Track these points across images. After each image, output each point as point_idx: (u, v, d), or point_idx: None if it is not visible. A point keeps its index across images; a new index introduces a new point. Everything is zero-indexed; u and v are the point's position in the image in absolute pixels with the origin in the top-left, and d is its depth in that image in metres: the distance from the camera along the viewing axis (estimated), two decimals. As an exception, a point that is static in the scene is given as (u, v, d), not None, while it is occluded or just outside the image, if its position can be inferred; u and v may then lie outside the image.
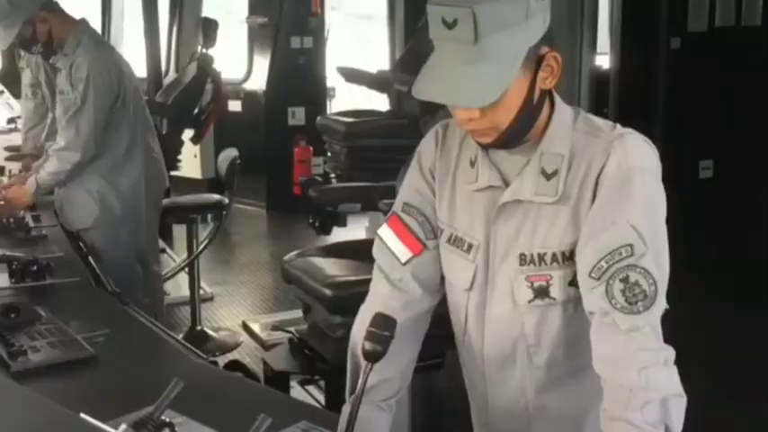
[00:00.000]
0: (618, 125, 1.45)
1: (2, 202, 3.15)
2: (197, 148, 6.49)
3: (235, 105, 7.06)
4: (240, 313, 4.79)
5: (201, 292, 4.61)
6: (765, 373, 3.75)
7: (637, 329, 1.30)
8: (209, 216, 4.38)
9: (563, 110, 1.45)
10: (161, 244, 4.79)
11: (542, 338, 1.49)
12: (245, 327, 4.51)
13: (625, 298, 1.31)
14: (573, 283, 1.43)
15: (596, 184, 1.38)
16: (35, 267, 2.48)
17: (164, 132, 5.47)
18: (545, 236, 1.43)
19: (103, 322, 2.13)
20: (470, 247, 1.51)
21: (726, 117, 5.84)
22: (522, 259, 1.46)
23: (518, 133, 1.42)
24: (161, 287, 4.17)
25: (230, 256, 6.09)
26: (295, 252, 3.09)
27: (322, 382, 3.15)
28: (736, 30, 5.98)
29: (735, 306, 4.49)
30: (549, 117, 1.44)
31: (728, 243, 5.26)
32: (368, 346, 1.33)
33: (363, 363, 1.35)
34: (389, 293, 1.56)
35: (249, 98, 7.13)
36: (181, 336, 3.87)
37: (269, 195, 6.98)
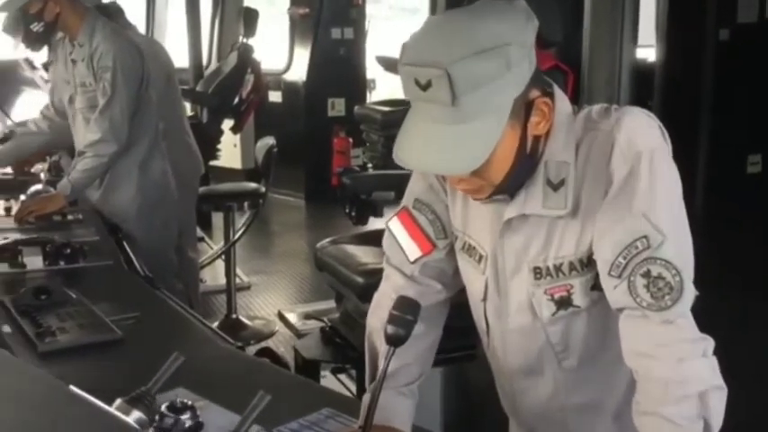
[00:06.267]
0: (615, 106, 1.34)
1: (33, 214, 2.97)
2: (237, 138, 6.53)
3: (275, 96, 7.09)
4: (276, 302, 4.80)
5: (238, 280, 4.62)
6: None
7: (670, 323, 1.23)
8: (246, 204, 4.38)
9: (563, 113, 1.33)
10: (199, 232, 4.82)
11: (570, 343, 1.42)
12: (281, 316, 4.51)
13: (650, 294, 1.22)
14: (595, 286, 1.35)
15: (607, 181, 1.29)
16: (68, 250, 2.49)
17: (204, 122, 5.52)
18: (559, 246, 1.35)
19: (133, 306, 2.13)
20: (481, 257, 1.45)
21: (775, 111, 5.69)
22: (537, 273, 1.38)
23: (516, 184, 1.33)
24: (197, 274, 4.19)
25: (268, 245, 6.11)
26: (328, 239, 3.07)
27: (354, 371, 3.13)
28: (787, 21, 5.82)
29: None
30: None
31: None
32: (390, 329, 1.29)
33: (384, 347, 1.31)
34: (404, 283, 1.52)
35: (289, 89, 7.15)
36: (216, 324, 3.89)
37: (307, 186, 7.00)
